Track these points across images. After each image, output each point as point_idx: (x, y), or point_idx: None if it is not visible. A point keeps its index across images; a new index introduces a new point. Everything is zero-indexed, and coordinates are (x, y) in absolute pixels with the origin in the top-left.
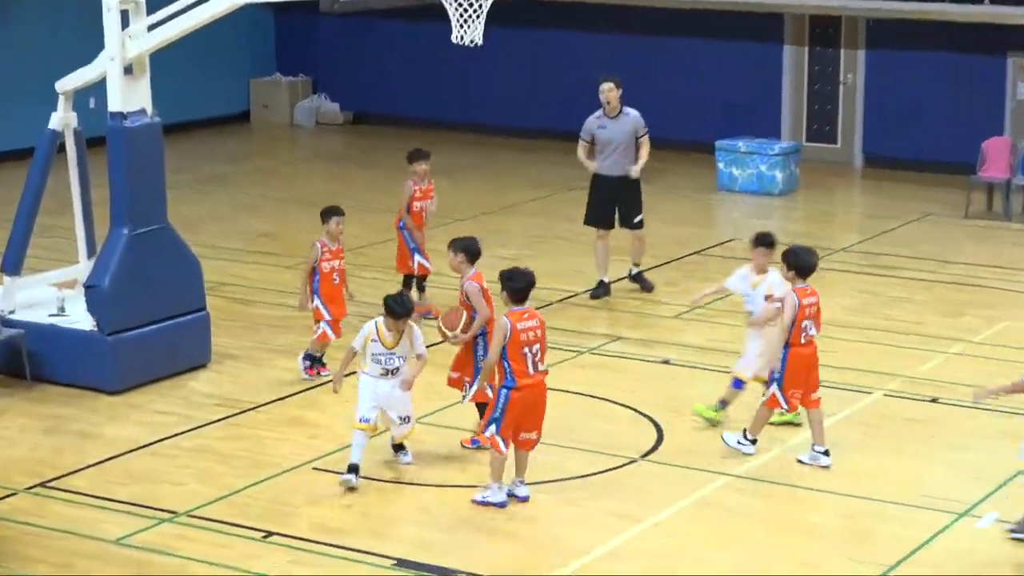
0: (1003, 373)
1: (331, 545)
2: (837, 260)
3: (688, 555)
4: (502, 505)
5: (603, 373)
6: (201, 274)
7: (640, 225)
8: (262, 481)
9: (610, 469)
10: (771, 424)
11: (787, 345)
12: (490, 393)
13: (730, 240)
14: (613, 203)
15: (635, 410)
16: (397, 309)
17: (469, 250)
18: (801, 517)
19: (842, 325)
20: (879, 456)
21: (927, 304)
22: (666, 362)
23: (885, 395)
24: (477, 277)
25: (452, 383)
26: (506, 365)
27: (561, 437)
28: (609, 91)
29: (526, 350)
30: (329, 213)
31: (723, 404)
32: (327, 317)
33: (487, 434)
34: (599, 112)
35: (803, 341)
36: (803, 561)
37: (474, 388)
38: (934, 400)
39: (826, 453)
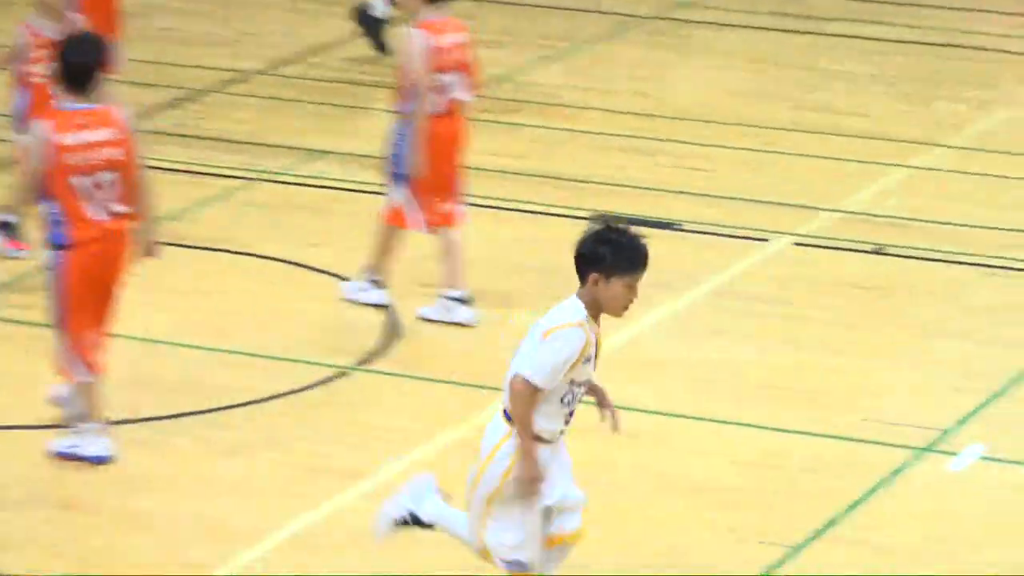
0: None
1: None
2: None
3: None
4: (100, 460)
5: (295, 216)
6: None
7: None
8: None
9: (304, 388)
10: None
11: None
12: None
13: None
14: None
15: (340, 278)
16: (635, 259)
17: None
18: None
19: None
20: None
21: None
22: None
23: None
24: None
25: None
26: (51, 209)
27: (213, 337)
28: None
29: (81, 180)
30: None
31: None
32: None
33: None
34: None
35: (444, 109)
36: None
37: None
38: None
39: (461, 300)
